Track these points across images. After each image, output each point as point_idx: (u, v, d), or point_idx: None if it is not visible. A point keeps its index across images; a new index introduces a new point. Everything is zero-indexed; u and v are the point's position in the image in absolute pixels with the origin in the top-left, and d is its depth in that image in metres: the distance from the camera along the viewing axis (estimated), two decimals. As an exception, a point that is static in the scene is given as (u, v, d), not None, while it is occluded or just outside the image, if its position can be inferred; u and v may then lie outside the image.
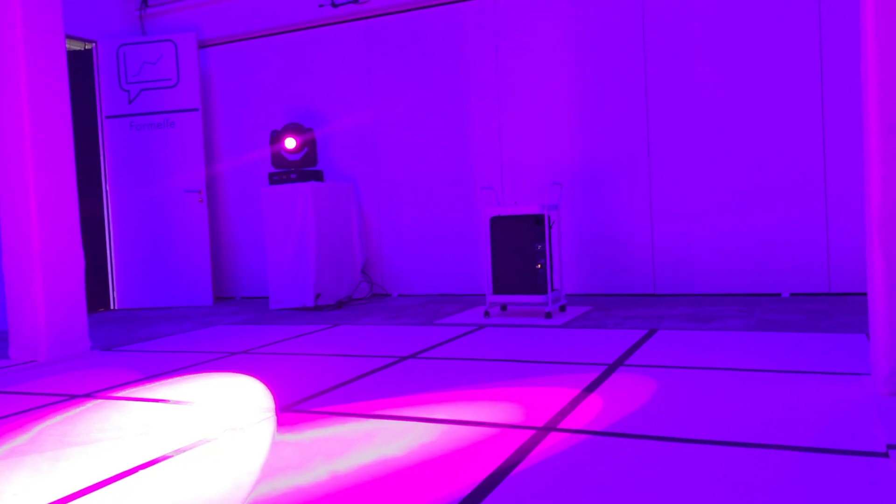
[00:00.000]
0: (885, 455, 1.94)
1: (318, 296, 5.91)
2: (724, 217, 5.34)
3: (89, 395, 3.24)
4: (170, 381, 3.45)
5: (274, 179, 6.17)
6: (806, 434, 2.17)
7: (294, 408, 2.82)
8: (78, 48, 6.82)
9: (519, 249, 4.80)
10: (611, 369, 3.14)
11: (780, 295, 5.19)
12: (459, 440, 2.29)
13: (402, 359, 3.63)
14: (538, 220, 4.79)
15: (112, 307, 6.84)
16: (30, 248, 4.13)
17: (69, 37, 6.55)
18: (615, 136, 5.63)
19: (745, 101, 5.24)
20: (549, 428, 2.36)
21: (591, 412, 2.51)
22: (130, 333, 5.15)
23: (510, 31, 5.92)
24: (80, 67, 6.74)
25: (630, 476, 1.91)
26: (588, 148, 5.72)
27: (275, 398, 2.99)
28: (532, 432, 2.33)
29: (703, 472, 1.91)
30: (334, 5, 6.45)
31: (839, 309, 4.47)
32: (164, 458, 2.30)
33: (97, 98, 6.84)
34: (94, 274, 6.57)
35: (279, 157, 6.28)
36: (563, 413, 2.52)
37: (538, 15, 5.82)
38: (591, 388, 2.83)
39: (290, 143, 6.20)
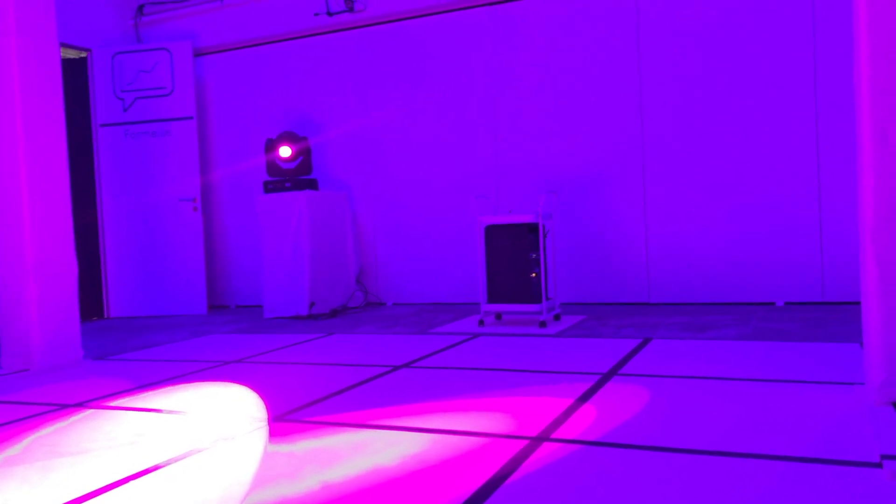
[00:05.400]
0: (879, 465, 1.94)
1: (312, 304, 5.89)
2: (719, 226, 5.35)
3: (81, 405, 3.22)
4: (163, 390, 3.44)
5: (269, 188, 6.16)
6: (799, 444, 2.16)
7: (287, 417, 2.81)
8: (73, 56, 6.81)
9: (513, 258, 4.80)
10: (605, 378, 3.14)
11: (774, 304, 5.19)
12: (453, 450, 2.28)
13: (396, 368, 3.62)
14: (532, 229, 4.79)
15: (106, 315, 6.81)
16: (23, 256, 4.11)
17: (64, 45, 6.54)
18: (610, 145, 5.64)
19: (739, 110, 5.26)
20: (543, 438, 2.35)
21: (585, 422, 2.50)
22: (124, 342, 5.13)
23: (504, 40, 5.93)
24: (75, 75, 6.73)
25: (623, 486, 1.91)
26: (583, 156, 5.73)
27: (267, 408, 2.98)
28: (525, 442, 2.32)
29: (696, 482, 1.91)
30: (329, 14, 6.46)
31: (833, 318, 4.47)
32: (156, 468, 2.29)
33: (91, 106, 6.83)
34: (87, 282, 6.55)
35: (274, 166, 6.28)
36: (557, 423, 2.51)
37: (532, 24, 5.84)
38: (585, 398, 2.83)
39: (284, 151, 6.19)
